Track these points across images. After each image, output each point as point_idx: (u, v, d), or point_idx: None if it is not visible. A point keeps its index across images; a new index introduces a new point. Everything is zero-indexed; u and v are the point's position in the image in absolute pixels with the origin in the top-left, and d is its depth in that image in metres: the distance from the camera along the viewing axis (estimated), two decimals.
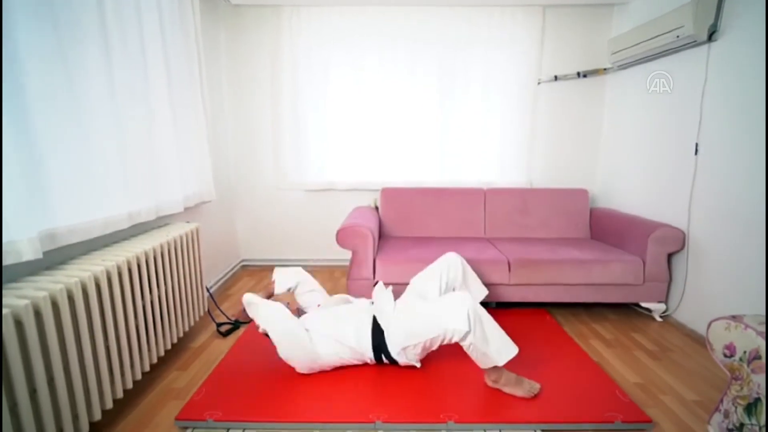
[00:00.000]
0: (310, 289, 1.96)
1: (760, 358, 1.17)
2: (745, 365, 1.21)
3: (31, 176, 1.23)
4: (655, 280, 2.28)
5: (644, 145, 2.62)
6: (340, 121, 3.10)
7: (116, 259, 1.45)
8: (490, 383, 1.59)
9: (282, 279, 1.94)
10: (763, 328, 1.18)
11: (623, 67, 2.78)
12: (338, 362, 1.68)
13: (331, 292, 1.82)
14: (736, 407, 1.24)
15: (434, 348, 1.59)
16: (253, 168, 3.24)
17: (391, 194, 2.94)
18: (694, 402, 1.59)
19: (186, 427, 1.42)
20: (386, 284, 2.00)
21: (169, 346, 1.79)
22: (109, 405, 1.37)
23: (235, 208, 3.30)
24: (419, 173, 3.15)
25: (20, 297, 1.09)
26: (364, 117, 3.09)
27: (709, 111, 2.10)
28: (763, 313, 1.73)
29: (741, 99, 1.92)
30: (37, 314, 1.10)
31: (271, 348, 1.63)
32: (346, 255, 2.45)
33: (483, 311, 1.52)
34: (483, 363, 1.52)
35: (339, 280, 3.04)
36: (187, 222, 2.17)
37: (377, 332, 1.64)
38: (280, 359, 1.64)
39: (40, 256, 1.20)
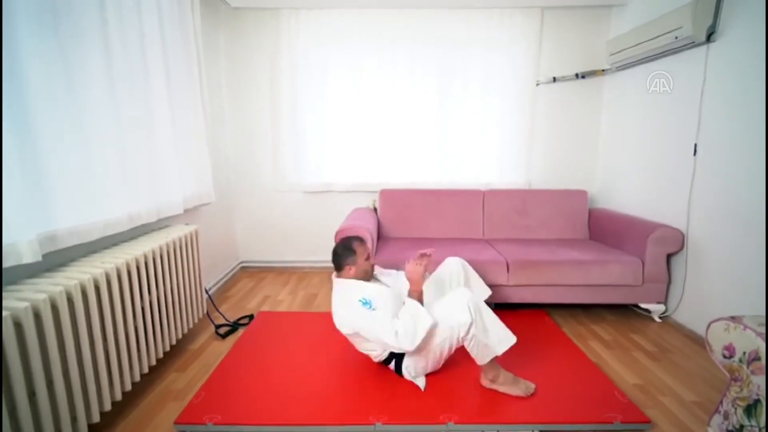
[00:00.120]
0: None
1: (759, 359, 1.16)
2: (744, 366, 1.21)
3: (32, 178, 1.24)
4: (654, 280, 2.28)
5: (643, 145, 2.62)
6: (339, 122, 3.10)
7: (115, 262, 1.45)
8: (486, 383, 1.59)
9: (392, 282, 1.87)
10: (762, 329, 1.18)
11: (622, 68, 2.79)
12: (368, 342, 1.64)
13: (330, 293, 1.81)
14: (735, 408, 1.24)
15: (444, 356, 1.59)
16: (252, 170, 3.24)
17: (389, 195, 2.94)
18: (694, 403, 1.59)
19: (185, 431, 1.41)
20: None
21: (167, 348, 1.79)
22: (108, 407, 1.37)
23: (234, 210, 3.30)
24: (418, 174, 3.15)
25: (20, 299, 1.09)
26: (362, 118, 3.09)
27: (707, 111, 2.10)
28: (763, 314, 1.73)
29: (740, 99, 1.92)
30: (37, 316, 1.10)
31: (271, 349, 1.62)
32: None
33: (482, 303, 1.55)
34: (483, 356, 1.52)
35: None
36: (186, 224, 2.17)
37: None
38: (278, 360, 1.63)
39: (40, 258, 1.20)
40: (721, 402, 1.31)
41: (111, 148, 1.60)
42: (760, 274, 1.80)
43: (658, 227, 2.26)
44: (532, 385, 1.58)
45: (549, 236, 2.84)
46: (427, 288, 1.89)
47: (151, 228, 1.99)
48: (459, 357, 1.66)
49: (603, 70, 2.97)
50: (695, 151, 2.17)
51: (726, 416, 1.28)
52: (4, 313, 1.01)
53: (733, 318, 1.27)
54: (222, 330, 2.18)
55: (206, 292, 2.27)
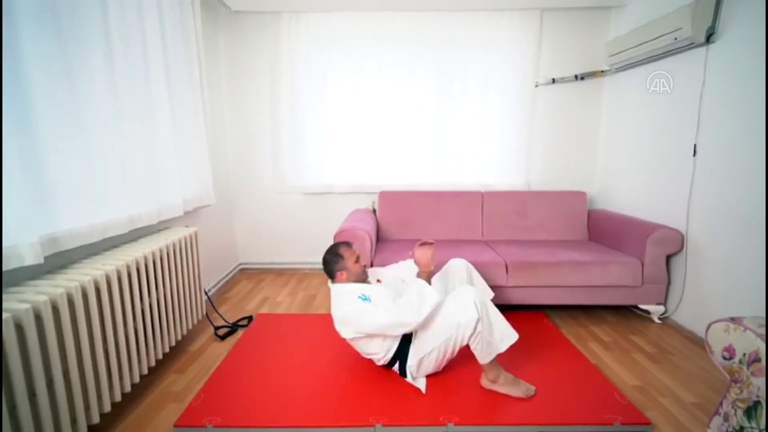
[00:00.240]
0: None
1: (759, 360, 1.16)
2: (744, 368, 1.21)
3: (33, 180, 1.24)
4: (654, 281, 2.28)
5: (642, 146, 2.62)
6: (339, 124, 3.11)
7: (116, 263, 1.45)
8: (486, 384, 1.59)
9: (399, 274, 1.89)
10: (762, 331, 1.18)
11: (621, 69, 2.79)
12: (372, 344, 1.64)
13: (328, 295, 1.82)
14: (735, 410, 1.24)
15: (447, 357, 1.59)
16: (252, 171, 3.25)
17: (389, 197, 2.94)
18: (693, 404, 1.58)
19: None
20: None
21: (167, 350, 1.80)
22: (108, 408, 1.38)
23: (234, 212, 3.30)
24: (417, 176, 3.16)
25: (21, 301, 1.10)
26: (362, 120, 3.10)
27: (707, 112, 2.11)
28: (763, 314, 1.73)
29: (739, 100, 1.93)
30: (38, 318, 1.11)
31: (270, 350, 1.63)
32: None
33: (486, 299, 1.56)
34: (486, 354, 1.52)
35: None
36: (186, 226, 2.18)
37: (405, 338, 1.63)
38: (278, 361, 1.63)
39: (42, 260, 1.20)
40: (721, 403, 1.30)
41: (111, 149, 1.61)
42: (759, 275, 1.80)
43: (657, 228, 2.26)
44: (533, 388, 1.58)
45: (548, 237, 2.84)
46: (434, 284, 1.89)
47: (151, 230, 1.99)
48: (459, 358, 1.66)
49: (602, 72, 2.98)
50: (695, 152, 2.17)
51: (726, 418, 1.28)
52: (5, 314, 1.02)
53: (732, 319, 1.26)
54: (221, 331, 2.19)
55: (206, 293, 2.27)
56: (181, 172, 2.15)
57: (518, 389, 1.55)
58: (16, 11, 1.19)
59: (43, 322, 1.11)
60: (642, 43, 2.38)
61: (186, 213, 2.23)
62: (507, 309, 2.40)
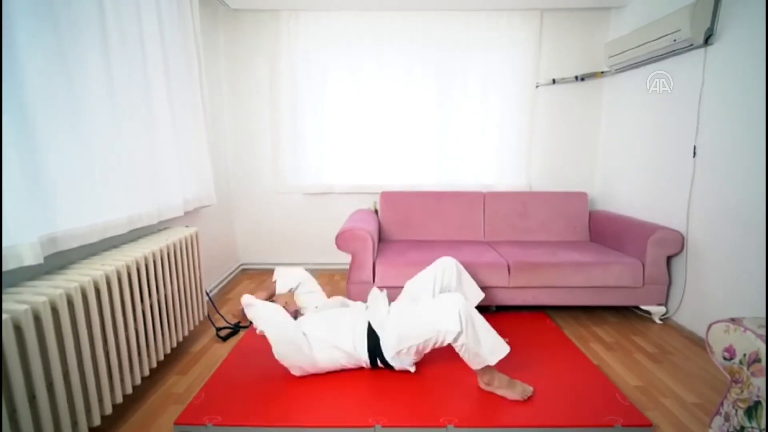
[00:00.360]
0: (309, 290, 1.96)
1: (759, 361, 1.17)
2: (744, 368, 1.21)
3: (32, 180, 1.23)
4: (655, 282, 2.28)
5: (642, 147, 2.63)
6: (339, 124, 3.10)
7: (116, 264, 1.45)
8: (483, 386, 1.59)
9: (284, 278, 1.94)
10: (762, 331, 1.18)
11: (621, 70, 2.79)
12: (334, 366, 1.68)
13: (331, 295, 1.82)
14: (736, 410, 1.24)
15: (427, 351, 1.59)
16: (252, 172, 3.25)
17: (390, 197, 2.94)
18: (695, 405, 1.59)
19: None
20: (386, 288, 2.00)
21: (168, 351, 1.79)
22: (109, 410, 1.37)
23: (234, 212, 3.30)
24: (418, 176, 3.16)
25: (20, 302, 1.09)
26: (362, 120, 3.10)
27: (706, 114, 2.11)
28: (763, 315, 1.73)
29: (738, 101, 1.93)
30: (37, 319, 1.10)
31: (271, 351, 1.63)
32: (346, 258, 2.45)
33: (474, 311, 1.52)
34: (475, 364, 1.52)
35: (339, 283, 3.03)
36: (187, 226, 2.17)
37: (372, 337, 1.64)
38: (278, 362, 1.63)
39: (41, 260, 1.20)
40: (722, 404, 1.31)
41: (111, 148, 1.60)
42: (760, 276, 1.81)
43: (658, 229, 2.26)
44: (530, 388, 1.56)
45: (549, 238, 2.84)
46: (413, 281, 1.96)
47: (151, 230, 1.99)
48: (459, 359, 1.65)
49: (602, 72, 2.98)
50: (694, 152, 2.17)
51: (727, 418, 1.28)
52: (4, 316, 1.01)
53: (733, 320, 1.27)
54: (223, 332, 2.18)
55: (207, 294, 2.26)
56: (181, 171, 2.15)
57: (514, 392, 1.53)
58: (13, 8, 1.18)
59: (42, 323, 1.11)
60: (642, 44, 2.38)
61: (186, 213, 2.23)
62: (509, 310, 2.41)
